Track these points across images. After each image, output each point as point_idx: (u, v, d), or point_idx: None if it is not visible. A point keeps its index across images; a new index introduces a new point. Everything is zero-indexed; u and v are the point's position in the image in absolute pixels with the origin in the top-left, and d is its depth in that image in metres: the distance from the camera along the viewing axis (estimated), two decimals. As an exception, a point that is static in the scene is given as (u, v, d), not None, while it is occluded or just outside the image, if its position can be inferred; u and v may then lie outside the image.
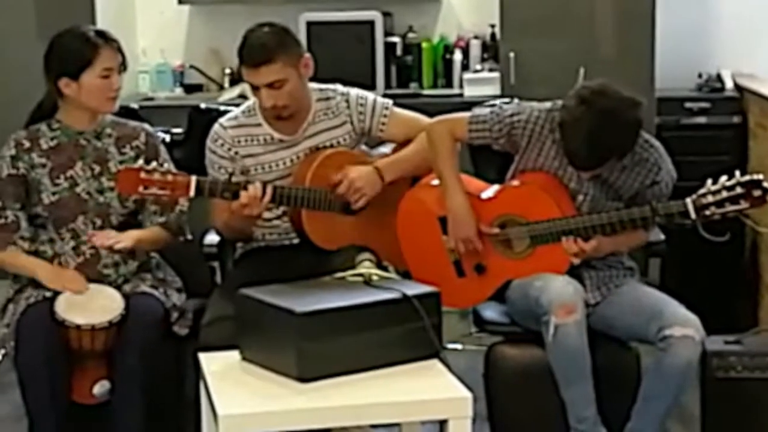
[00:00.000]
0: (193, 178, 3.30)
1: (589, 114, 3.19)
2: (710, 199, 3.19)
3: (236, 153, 3.49)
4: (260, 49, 3.38)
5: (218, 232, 3.61)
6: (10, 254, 3.38)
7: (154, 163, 3.27)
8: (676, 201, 3.26)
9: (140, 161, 3.29)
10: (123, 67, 3.44)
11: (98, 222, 3.41)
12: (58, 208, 3.39)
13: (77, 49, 3.36)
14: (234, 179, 3.37)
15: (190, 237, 3.56)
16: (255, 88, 3.43)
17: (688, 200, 3.22)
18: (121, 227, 3.43)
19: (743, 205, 3.17)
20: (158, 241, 3.47)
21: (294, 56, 3.42)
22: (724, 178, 3.20)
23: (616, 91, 3.23)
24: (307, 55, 3.47)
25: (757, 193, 3.16)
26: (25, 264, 3.38)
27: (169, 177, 3.27)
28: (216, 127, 3.53)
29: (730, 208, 3.18)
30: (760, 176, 3.18)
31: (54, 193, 3.40)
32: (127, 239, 3.33)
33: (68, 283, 3.32)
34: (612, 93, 3.22)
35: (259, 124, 3.51)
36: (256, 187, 3.30)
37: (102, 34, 3.41)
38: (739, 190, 3.17)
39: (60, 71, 3.36)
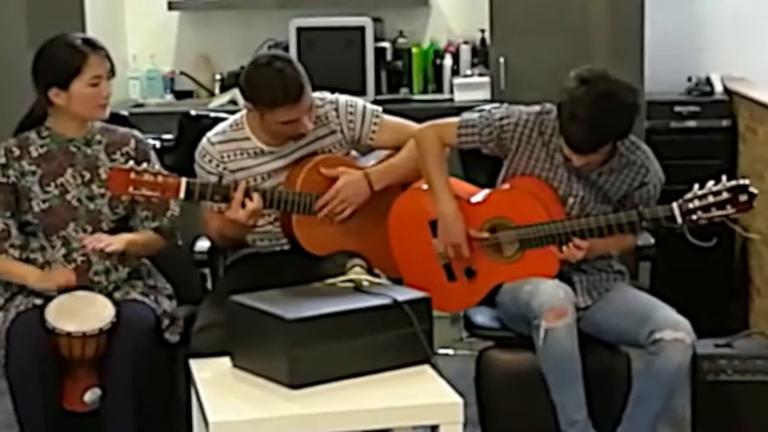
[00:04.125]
0: (183, 180, 3.32)
1: (590, 94, 3.21)
2: (697, 203, 3.20)
3: (225, 168, 3.48)
4: (294, 83, 3.32)
5: (211, 241, 3.61)
6: (0, 262, 3.38)
7: (145, 164, 3.28)
8: (663, 206, 3.27)
9: (131, 163, 3.30)
10: (112, 73, 3.43)
11: (89, 229, 3.41)
12: (48, 216, 3.39)
13: (65, 58, 3.35)
14: (224, 182, 3.38)
15: (180, 243, 3.56)
16: (287, 123, 3.36)
17: (675, 205, 3.24)
18: (112, 233, 3.43)
19: (729, 210, 3.18)
20: (151, 245, 3.47)
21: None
22: (710, 183, 3.21)
23: (614, 75, 3.27)
24: None
25: (743, 198, 3.17)
26: (15, 271, 3.38)
27: (160, 178, 3.28)
28: (204, 142, 3.52)
29: (716, 213, 3.19)
30: (747, 181, 3.19)
31: (44, 201, 3.40)
32: (118, 242, 3.33)
33: (59, 278, 3.31)
34: (611, 77, 3.26)
35: (248, 138, 3.50)
36: (257, 199, 3.31)
37: (89, 42, 3.40)
38: (725, 195, 3.18)
39: (49, 81, 3.36)
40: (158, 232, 3.48)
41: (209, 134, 3.54)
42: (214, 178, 3.45)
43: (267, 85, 3.33)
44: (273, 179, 3.51)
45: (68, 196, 3.41)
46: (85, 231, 3.41)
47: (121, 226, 3.46)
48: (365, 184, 3.48)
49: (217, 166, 3.48)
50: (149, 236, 3.46)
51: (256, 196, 3.35)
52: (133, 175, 3.26)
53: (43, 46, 3.41)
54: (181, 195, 3.31)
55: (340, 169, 3.47)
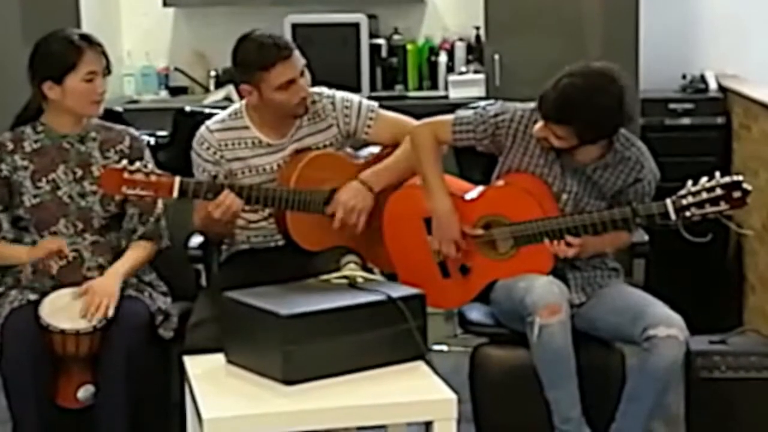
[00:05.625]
0: (177, 179, 3.31)
1: (586, 77, 3.23)
2: (690, 200, 3.21)
3: (221, 157, 3.48)
4: (280, 40, 3.39)
5: (200, 231, 3.60)
6: None
7: (138, 164, 3.27)
8: (657, 202, 3.28)
9: (124, 163, 3.29)
10: (107, 70, 3.43)
11: (80, 226, 3.40)
12: (39, 211, 3.39)
13: (61, 52, 3.35)
14: (218, 180, 3.38)
15: (168, 243, 3.54)
16: (285, 87, 3.37)
17: (668, 201, 3.24)
18: (103, 230, 3.43)
19: (723, 206, 3.18)
20: (145, 259, 3.47)
21: None
22: (704, 179, 3.21)
23: (627, 89, 3.26)
24: None
25: (737, 194, 3.17)
26: (7, 253, 3.37)
27: (153, 178, 3.27)
28: (202, 129, 3.52)
29: (710, 209, 3.19)
30: (740, 178, 3.20)
31: (35, 196, 3.39)
32: (114, 291, 3.27)
33: (48, 245, 3.29)
34: (621, 86, 3.25)
35: (247, 127, 3.51)
36: (226, 196, 3.29)
37: (86, 38, 3.40)
38: (719, 191, 3.18)
39: (44, 75, 3.36)
40: (145, 238, 3.47)
41: (208, 122, 3.54)
42: (209, 167, 3.45)
43: (256, 49, 3.37)
44: (267, 173, 3.50)
45: (59, 193, 3.40)
46: (75, 227, 3.40)
47: (111, 224, 3.46)
48: (365, 189, 3.47)
49: (215, 153, 3.48)
50: (140, 252, 3.44)
51: (231, 196, 3.31)
52: (126, 175, 3.24)
53: (39, 40, 3.41)
54: (175, 194, 3.30)
55: (336, 195, 3.45)
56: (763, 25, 5.49)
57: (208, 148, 3.49)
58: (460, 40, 5.60)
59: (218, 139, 3.49)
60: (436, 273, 3.53)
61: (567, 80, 3.24)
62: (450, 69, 5.56)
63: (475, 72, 5.42)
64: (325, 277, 3.10)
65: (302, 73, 3.42)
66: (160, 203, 3.48)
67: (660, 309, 3.29)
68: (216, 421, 2.69)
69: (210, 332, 3.18)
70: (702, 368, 3.57)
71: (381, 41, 5.57)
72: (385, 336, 2.91)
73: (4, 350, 3.24)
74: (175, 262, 3.63)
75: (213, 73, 5.65)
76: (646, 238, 3.62)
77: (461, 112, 3.54)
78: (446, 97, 5.40)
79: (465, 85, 5.35)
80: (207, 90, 5.65)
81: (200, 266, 3.73)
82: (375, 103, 3.62)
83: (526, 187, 3.42)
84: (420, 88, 5.62)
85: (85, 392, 3.28)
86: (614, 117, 3.27)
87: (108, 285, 3.29)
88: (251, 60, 3.38)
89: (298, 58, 3.41)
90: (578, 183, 3.40)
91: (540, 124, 3.32)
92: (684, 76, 5.38)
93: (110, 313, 3.25)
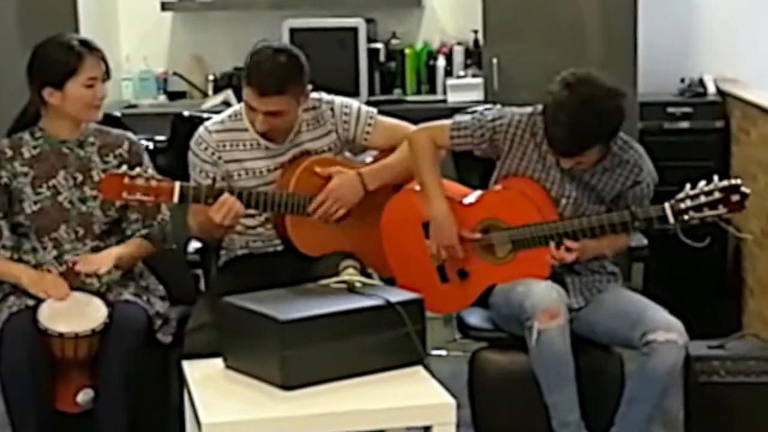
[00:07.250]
0: (177, 184, 3.31)
1: (571, 99, 3.22)
2: (689, 203, 3.21)
3: (219, 158, 3.49)
4: (272, 80, 3.33)
5: (196, 235, 3.60)
6: None
7: (138, 169, 3.28)
8: (655, 206, 3.28)
9: (123, 168, 3.29)
10: (107, 75, 3.44)
11: (80, 231, 3.41)
12: (40, 217, 3.39)
13: (61, 58, 3.35)
14: (217, 185, 3.37)
15: (174, 246, 3.56)
16: (252, 108, 3.41)
17: (667, 205, 3.24)
18: (103, 236, 3.43)
19: (721, 210, 3.19)
20: (140, 254, 3.47)
21: (301, 89, 3.41)
22: (702, 182, 3.22)
23: (599, 79, 3.26)
24: (310, 86, 3.46)
25: (735, 198, 3.18)
26: (8, 271, 3.38)
27: (153, 183, 3.27)
28: (201, 130, 3.52)
29: (708, 213, 3.19)
30: (738, 181, 3.20)
31: (36, 202, 3.39)
32: (108, 261, 3.32)
33: (50, 289, 3.31)
34: (596, 81, 3.25)
35: (246, 129, 3.51)
36: (227, 198, 3.29)
37: (86, 44, 3.40)
38: (717, 195, 3.19)
39: (44, 81, 3.36)
40: (149, 239, 3.47)
41: (207, 123, 3.54)
42: (207, 167, 3.45)
43: (255, 63, 3.37)
44: (264, 176, 3.50)
45: (60, 198, 3.40)
46: (76, 233, 3.40)
47: (112, 228, 3.46)
48: (359, 183, 3.48)
49: (213, 154, 3.48)
50: (137, 246, 3.45)
51: (232, 199, 3.32)
52: (126, 181, 3.25)
53: (39, 46, 3.41)
54: (175, 199, 3.30)
55: (334, 169, 3.47)
56: (762, 29, 5.49)
57: (206, 149, 3.49)
58: (459, 44, 5.60)
59: (217, 140, 3.49)
60: (434, 277, 3.53)
61: (566, 118, 3.21)
62: (448, 73, 5.55)
63: (474, 76, 5.42)
64: (323, 281, 3.10)
65: (273, 113, 3.38)
66: (165, 210, 3.48)
67: (659, 313, 3.29)
68: (214, 425, 2.69)
69: (209, 337, 3.18)
70: (701, 373, 3.57)
71: (379, 45, 5.56)
72: (383, 341, 2.91)
73: (3, 355, 3.23)
74: (174, 266, 3.63)
75: (211, 78, 5.65)
76: (645, 242, 3.63)
77: (459, 117, 3.54)
78: (445, 101, 5.40)
79: (463, 89, 5.35)
80: (205, 94, 5.65)
81: (199, 271, 3.73)
82: (374, 109, 3.62)
83: (525, 191, 3.42)
84: (418, 92, 5.61)
85: (84, 396, 3.28)
86: (621, 112, 3.27)
87: (100, 254, 3.34)
88: (247, 64, 3.38)
89: (273, 102, 3.36)
90: (577, 188, 3.40)
91: (562, 160, 3.31)
92: (683, 80, 5.39)
93: (102, 271, 3.30)
